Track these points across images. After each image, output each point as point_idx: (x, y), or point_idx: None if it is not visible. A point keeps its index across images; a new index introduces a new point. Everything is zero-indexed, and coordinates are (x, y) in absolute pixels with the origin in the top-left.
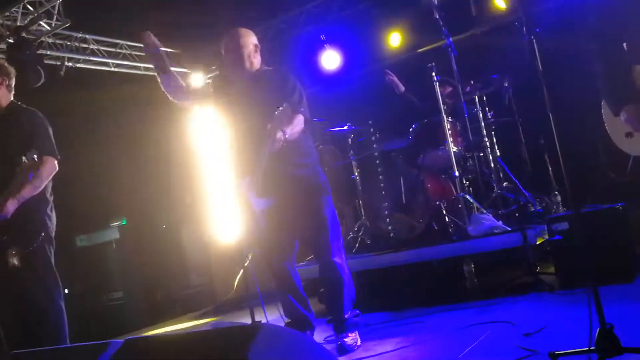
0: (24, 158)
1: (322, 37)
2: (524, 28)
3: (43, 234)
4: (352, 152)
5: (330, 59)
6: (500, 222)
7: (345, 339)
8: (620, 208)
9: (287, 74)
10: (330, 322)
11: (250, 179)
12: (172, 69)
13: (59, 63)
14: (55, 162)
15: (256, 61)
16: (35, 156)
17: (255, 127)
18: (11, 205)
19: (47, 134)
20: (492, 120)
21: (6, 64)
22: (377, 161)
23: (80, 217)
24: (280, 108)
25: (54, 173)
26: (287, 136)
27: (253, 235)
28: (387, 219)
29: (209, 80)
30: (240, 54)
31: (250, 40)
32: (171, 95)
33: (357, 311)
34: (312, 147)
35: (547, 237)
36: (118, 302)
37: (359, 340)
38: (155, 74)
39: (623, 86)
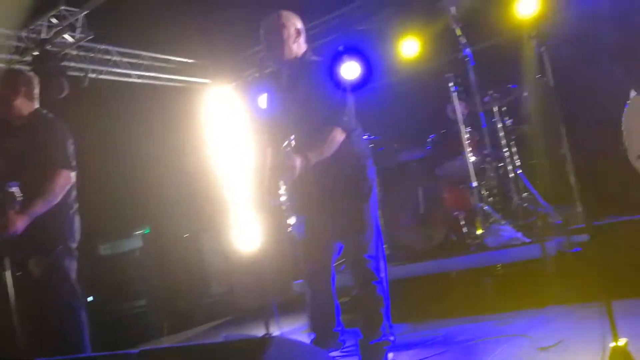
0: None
1: (340, 47)
2: (535, 41)
3: (61, 246)
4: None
5: (350, 70)
6: (519, 234)
7: None
8: None
9: (332, 70)
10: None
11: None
12: (192, 79)
13: (82, 74)
14: (71, 173)
15: (296, 46)
16: (14, 189)
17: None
18: (21, 222)
19: (63, 145)
20: (512, 130)
21: (25, 72)
22: (396, 171)
23: (103, 226)
24: (286, 143)
25: (68, 185)
26: (312, 161)
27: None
28: (405, 230)
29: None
30: (280, 35)
31: (292, 21)
32: None
33: (393, 335)
34: (359, 148)
35: (566, 248)
36: (141, 309)
37: None
38: None
39: None
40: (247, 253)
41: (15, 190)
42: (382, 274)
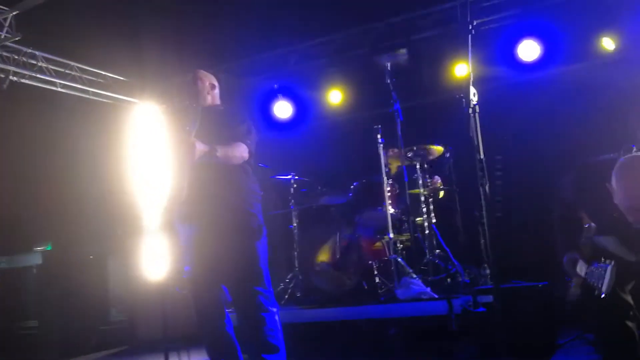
0: None
1: (275, 86)
2: (464, 100)
3: None
4: (293, 201)
5: (282, 109)
6: (428, 289)
7: None
8: (543, 286)
9: (239, 109)
10: None
11: (176, 200)
12: (120, 96)
13: (2, 76)
14: None
15: (210, 98)
16: None
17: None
18: None
19: None
20: (431, 187)
21: None
22: (316, 214)
23: (2, 238)
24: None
25: None
26: (218, 153)
27: (178, 269)
28: (319, 273)
29: (161, 111)
30: (195, 87)
31: (208, 78)
32: None
33: None
34: (250, 184)
35: (472, 308)
36: (31, 331)
37: None
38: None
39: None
40: (152, 281)
41: None
42: (274, 309)
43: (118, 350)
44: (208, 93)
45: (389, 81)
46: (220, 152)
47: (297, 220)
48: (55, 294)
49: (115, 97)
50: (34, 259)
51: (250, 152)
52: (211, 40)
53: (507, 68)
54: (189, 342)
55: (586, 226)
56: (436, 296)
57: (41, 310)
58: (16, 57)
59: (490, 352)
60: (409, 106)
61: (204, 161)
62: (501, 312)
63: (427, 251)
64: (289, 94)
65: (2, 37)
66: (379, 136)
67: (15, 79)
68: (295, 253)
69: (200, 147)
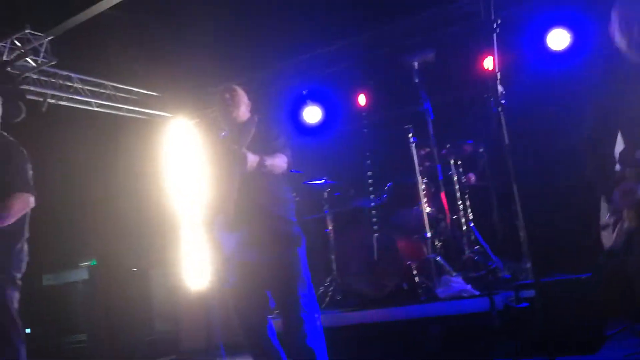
0: None
1: (304, 92)
2: (492, 100)
3: (3, 275)
4: (327, 206)
5: (312, 114)
6: (469, 286)
7: None
8: (587, 278)
9: (273, 122)
10: None
11: (222, 210)
12: (153, 112)
13: (41, 99)
14: (30, 197)
15: (245, 114)
16: None
17: None
18: None
19: (24, 168)
20: (466, 184)
21: None
22: (351, 217)
23: (49, 255)
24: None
25: (26, 209)
26: (267, 164)
27: (223, 281)
28: (358, 276)
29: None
30: (235, 104)
31: (244, 95)
32: None
33: None
34: (289, 195)
35: (514, 303)
36: (80, 344)
37: None
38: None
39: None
40: (195, 291)
41: None
42: (316, 315)
43: (165, 359)
44: (243, 109)
45: (417, 80)
46: (269, 162)
47: (333, 224)
48: (102, 307)
49: (148, 113)
50: (80, 274)
51: (288, 163)
52: (238, 50)
53: (537, 57)
54: (232, 350)
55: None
56: (477, 293)
57: (89, 323)
58: (53, 80)
59: (535, 347)
60: (439, 103)
61: (252, 172)
62: (544, 306)
63: (465, 248)
64: (318, 98)
65: (39, 62)
66: (410, 136)
67: (53, 101)
68: (333, 257)
69: (251, 158)
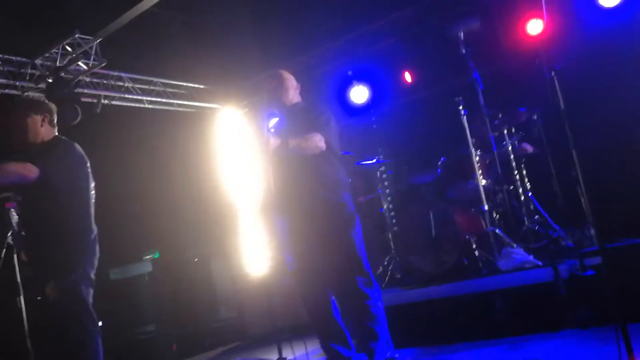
0: None
1: (350, 72)
2: (544, 65)
3: (79, 271)
4: (381, 185)
5: (359, 94)
6: (531, 257)
7: None
8: None
9: (318, 102)
10: None
11: (267, 195)
12: (202, 104)
13: (95, 101)
14: (34, 169)
15: (293, 96)
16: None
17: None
18: None
19: (60, 158)
20: (522, 153)
21: (47, 101)
22: (407, 194)
23: (113, 250)
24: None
25: (20, 177)
26: (290, 145)
27: (281, 263)
28: (417, 253)
29: (243, 114)
30: (281, 88)
31: (290, 78)
32: None
33: (397, 354)
34: (337, 174)
35: (579, 271)
36: (149, 335)
37: None
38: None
39: None
40: (256, 277)
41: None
42: (376, 295)
43: (232, 346)
44: (291, 92)
45: (464, 51)
46: (292, 143)
47: (388, 203)
48: (167, 297)
49: (198, 106)
50: (145, 267)
51: (327, 141)
52: (281, 36)
53: (587, 15)
54: (298, 332)
55: None
56: (540, 263)
57: (156, 314)
58: (105, 81)
59: (604, 316)
60: (488, 72)
61: (280, 154)
62: (612, 272)
63: (525, 219)
64: (364, 77)
65: (90, 65)
66: (460, 107)
67: (106, 101)
68: (390, 235)
69: (273, 140)
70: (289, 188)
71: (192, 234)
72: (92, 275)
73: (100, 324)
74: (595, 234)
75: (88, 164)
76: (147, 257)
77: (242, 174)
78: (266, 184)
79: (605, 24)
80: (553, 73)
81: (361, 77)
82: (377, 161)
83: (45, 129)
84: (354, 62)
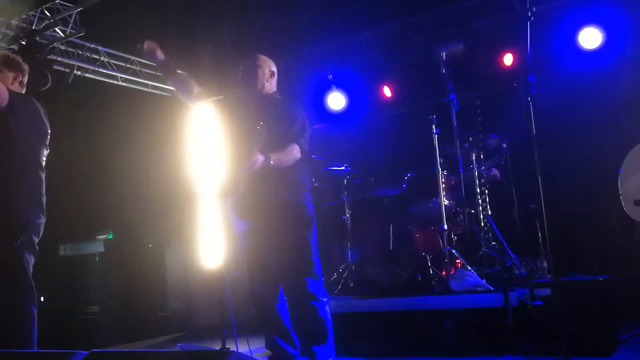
0: None
1: (330, 77)
2: (522, 89)
3: (22, 238)
4: (346, 192)
5: (336, 100)
6: (484, 281)
7: None
8: (604, 280)
9: (294, 104)
10: None
11: (231, 200)
12: None
13: (67, 70)
14: (5, 94)
15: (268, 86)
16: None
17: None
18: None
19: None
20: (489, 179)
21: (21, 61)
22: (369, 205)
23: (67, 226)
24: (258, 127)
25: None
26: (272, 162)
27: (234, 259)
28: (373, 264)
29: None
30: (255, 73)
31: (268, 64)
32: (184, 97)
33: None
34: (299, 175)
35: (529, 301)
36: (93, 316)
37: None
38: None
39: None
40: (209, 270)
41: None
42: (324, 299)
43: (177, 335)
44: (267, 80)
45: (444, 71)
46: (274, 159)
47: (350, 211)
48: (116, 280)
49: (172, 90)
50: (97, 247)
51: (302, 151)
52: (265, 32)
53: (567, 56)
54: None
55: None
56: (492, 288)
57: (103, 296)
58: (80, 52)
59: (548, 347)
60: (465, 96)
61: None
62: (560, 305)
63: (482, 243)
64: (343, 85)
65: (67, 32)
66: (433, 127)
67: (79, 73)
68: (349, 243)
69: (260, 160)
70: (251, 189)
71: (150, 219)
72: (35, 245)
73: (42, 299)
74: (551, 266)
75: (42, 112)
76: (101, 237)
77: (207, 163)
78: (230, 180)
79: (584, 65)
80: (529, 98)
81: (340, 84)
82: (345, 168)
83: (15, 88)
84: (335, 67)
